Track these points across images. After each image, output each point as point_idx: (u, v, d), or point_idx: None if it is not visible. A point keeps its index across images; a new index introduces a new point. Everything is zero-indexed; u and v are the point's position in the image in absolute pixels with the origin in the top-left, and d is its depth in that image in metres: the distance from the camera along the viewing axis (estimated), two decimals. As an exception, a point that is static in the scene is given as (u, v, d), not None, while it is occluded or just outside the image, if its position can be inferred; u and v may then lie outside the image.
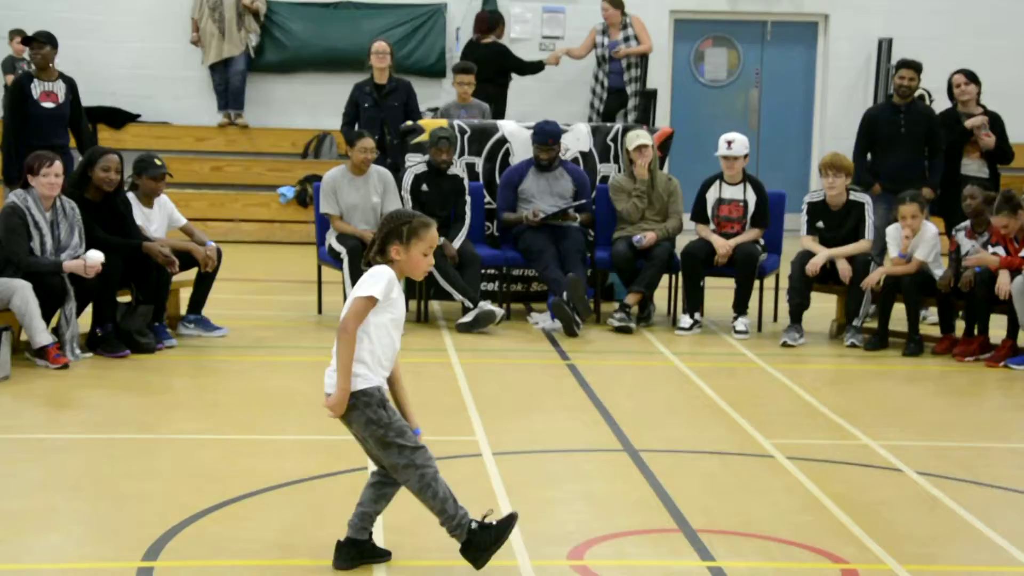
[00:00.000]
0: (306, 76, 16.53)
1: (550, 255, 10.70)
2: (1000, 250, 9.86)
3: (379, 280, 5.25)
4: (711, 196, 10.91)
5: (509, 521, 5.35)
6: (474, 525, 5.32)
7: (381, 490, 5.38)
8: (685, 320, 10.64)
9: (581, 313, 10.37)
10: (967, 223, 10.30)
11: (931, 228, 10.34)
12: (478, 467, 6.82)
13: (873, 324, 10.43)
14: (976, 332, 9.93)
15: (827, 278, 10.48)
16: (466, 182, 11.05)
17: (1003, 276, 9.70)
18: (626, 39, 15.44)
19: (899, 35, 16.66)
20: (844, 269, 10.26)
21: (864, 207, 10.55)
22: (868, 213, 10.53)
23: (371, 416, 5.26)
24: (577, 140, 11.64)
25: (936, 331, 10.31)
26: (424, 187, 10.82)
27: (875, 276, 10.24)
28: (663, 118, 16.62)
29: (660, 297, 11.14)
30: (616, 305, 10.78)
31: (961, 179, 11.30)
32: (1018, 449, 7.68)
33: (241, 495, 6.22)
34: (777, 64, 17.34)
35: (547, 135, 11.11)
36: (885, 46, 16.74)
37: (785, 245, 11.24)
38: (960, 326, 10.15)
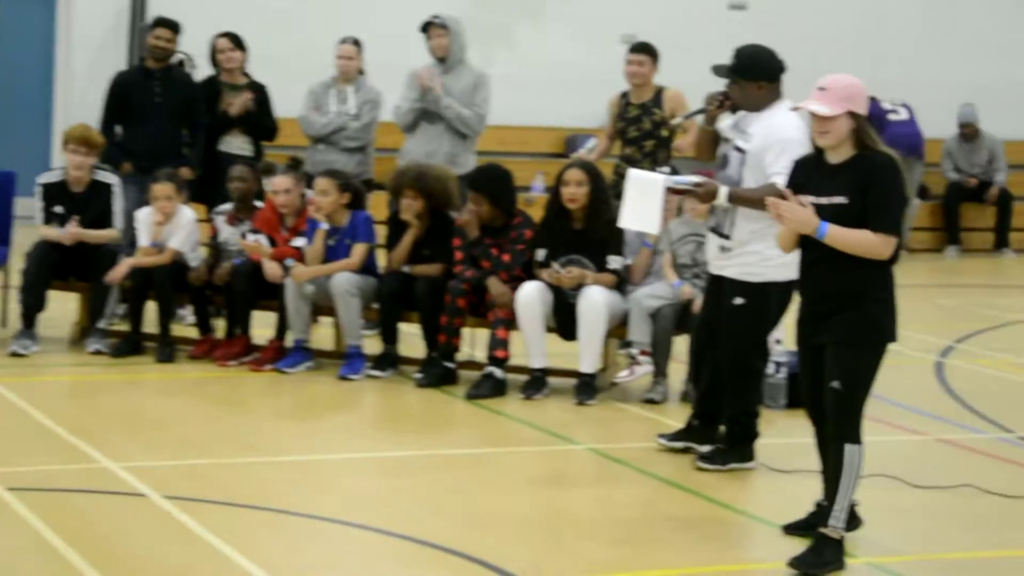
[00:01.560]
0: None
1: None
2: (262, 238, 10.08)
3: None
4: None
5: None
6: None
7: None
8: None
9: None
10: (228, 206, 10.47)
11: (188, 213, 10.41)
12: None
13: (124, 326, 10.35)
14: (239, 332, 10.11)
15: (67, 273, 10.29)
16: None
17: (270, 266, 9.94)
18: None
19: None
20: None
21: (111, 188, 10.45)
22: (116, 195, 10.43)
23: None
24: None
25: (196, 332, 10.39)
26: None
27: (123, 269, 10.15)
28: None
29: None
30: None
31: (222, 157, 11.46)
32: (287, 463, 7.87)
33: None
34: (10, 23, 16.86)
35: None
36: (139, 3, 16.75)
37: (17, 235, 10.96)
38: (222, 326, 10.30)
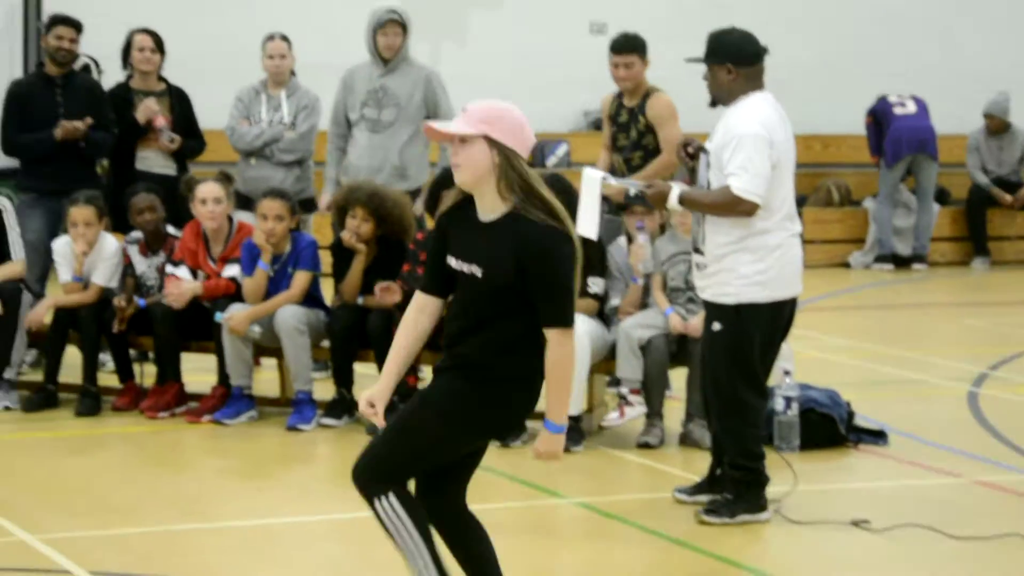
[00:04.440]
0: None
1: None
2: (183, 271, 10.10)
3: None
4: None
5: None
6: None
7: None
8: None
9: None
10: (139, 234, 10.47)
11: (111, 242, 10.42)
12: None
13: (35, 375, 10.40)
14: (168, 379, 10.12)
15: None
16: None
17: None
18: None
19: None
20: None
21: (0, 214, 10.39)
22: (9, 221, 10.30)
23: None
24: None
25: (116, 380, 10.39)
26: None
27: (43, 310, 10.20)
28: None
29: None
30: None
31: (140, 177, 11.43)
32: (231, 529, 7.90)
33: None
34: None
35: None
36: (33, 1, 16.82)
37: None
38: (150, 372, 10.32)
